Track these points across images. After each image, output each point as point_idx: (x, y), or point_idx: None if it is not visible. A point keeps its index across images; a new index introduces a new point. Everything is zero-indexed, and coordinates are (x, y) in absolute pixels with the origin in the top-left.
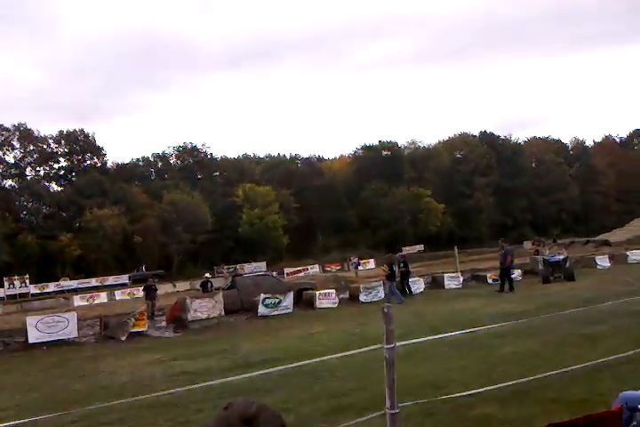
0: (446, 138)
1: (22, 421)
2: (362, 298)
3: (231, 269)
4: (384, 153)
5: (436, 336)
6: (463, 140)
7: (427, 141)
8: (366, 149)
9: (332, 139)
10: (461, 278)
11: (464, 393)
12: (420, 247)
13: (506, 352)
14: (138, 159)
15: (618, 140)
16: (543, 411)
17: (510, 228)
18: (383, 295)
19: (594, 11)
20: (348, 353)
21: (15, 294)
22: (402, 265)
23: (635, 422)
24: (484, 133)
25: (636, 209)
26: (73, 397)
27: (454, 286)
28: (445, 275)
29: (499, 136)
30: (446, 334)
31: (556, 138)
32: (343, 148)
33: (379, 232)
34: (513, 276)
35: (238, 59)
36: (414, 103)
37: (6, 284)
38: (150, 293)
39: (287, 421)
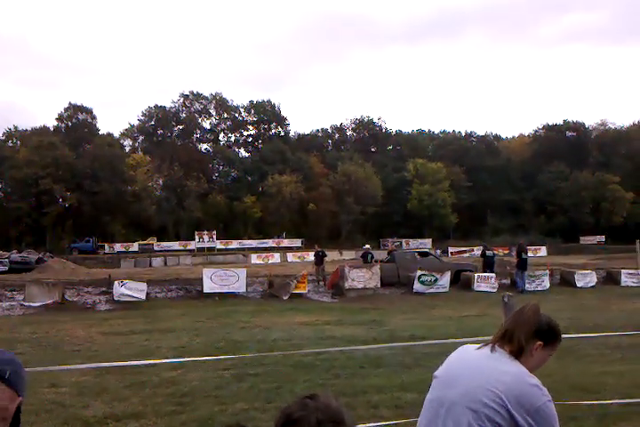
0: None
1: (183, 359)
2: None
3: (396, 243)
4: (568, 133)
5: (593, 335)
6: None
7: (619, 122)
8: (549, 128)
9: (511, 117)
10: None
11: (615, 401)
12: (601, 238)
13: None
14: (317, 130)
15: None
16: None
17: None
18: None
19: None
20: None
21: (203, 248)
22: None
23: None
24: None
25: None
26: (230, 346)
27: (632, 284)
28: (623, 271)
29: None
30: (605, 334)
31: None
32: (522, 127)
33: (555, 219)
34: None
35: (417, 33)
36: (605, 81)
37: (197, 237)
38: (317, 258)
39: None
